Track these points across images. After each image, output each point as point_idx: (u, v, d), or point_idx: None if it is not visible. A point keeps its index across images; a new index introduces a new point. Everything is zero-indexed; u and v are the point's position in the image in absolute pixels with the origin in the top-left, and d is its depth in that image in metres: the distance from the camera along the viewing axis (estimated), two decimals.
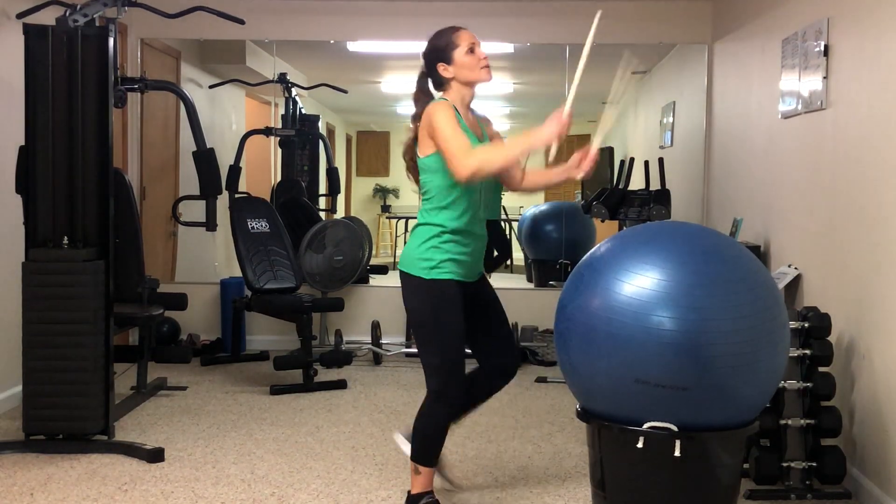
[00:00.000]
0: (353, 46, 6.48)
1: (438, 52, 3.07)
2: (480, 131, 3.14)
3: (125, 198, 4.35)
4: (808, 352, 3.49)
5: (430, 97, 3.12)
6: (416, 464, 3.14)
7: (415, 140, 3.10)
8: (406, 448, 3.25)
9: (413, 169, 3.16)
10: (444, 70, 3.06)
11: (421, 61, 3.14)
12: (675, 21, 6.13)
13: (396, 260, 7.40)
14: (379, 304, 6.37)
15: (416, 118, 3.10)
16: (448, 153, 2.90)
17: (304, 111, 6.74)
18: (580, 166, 3.05)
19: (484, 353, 3.29)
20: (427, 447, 3.13)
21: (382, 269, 6.77)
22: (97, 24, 3.97)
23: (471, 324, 3.16)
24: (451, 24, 3.14)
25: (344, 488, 3.55)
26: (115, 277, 4.03)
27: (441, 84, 3.10)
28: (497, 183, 3.23)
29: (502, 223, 6.66)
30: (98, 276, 3.90)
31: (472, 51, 3.05)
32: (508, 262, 7.30)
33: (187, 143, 5.39)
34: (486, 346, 3.27)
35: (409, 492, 3.20)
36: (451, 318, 3.04)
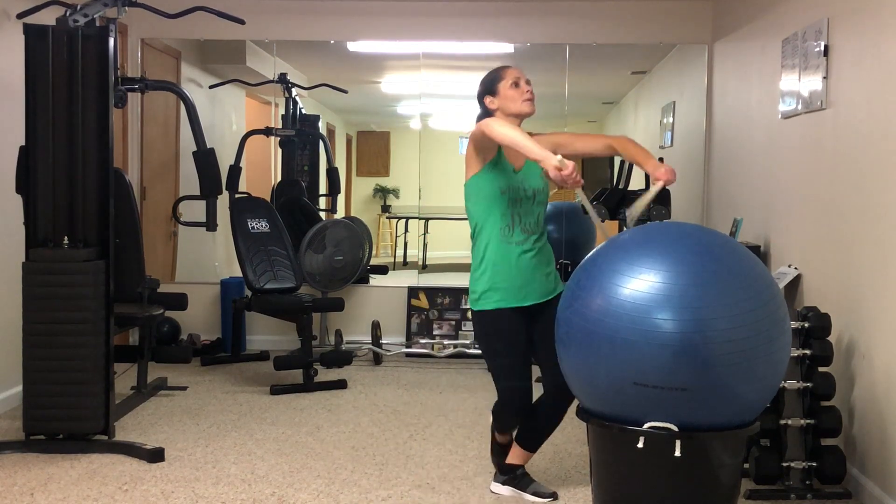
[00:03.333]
0: (353, 46, 6.48)
1: (486, 85, 3.31)
2: (522, 161, 3.26)
3: (125, 198, 4.35)
4: (808, 352, 3.49)
5: None
6: (495, 432, 3.57)
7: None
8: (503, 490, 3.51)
9: None
10: (490, 102, 3.29)
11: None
12: (675, 21, 6.13)
13: (396, 260, 7.41)
14: (379, 304, 6.37)
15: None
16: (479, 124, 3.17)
17: (304, 111, 6.73)
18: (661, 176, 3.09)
19: (543, 374, 3.39)
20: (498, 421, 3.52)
21: (382, 269, 6.76)
22: (97, 24, 3.97)
23: (533, 344, 3.34)
24: (499, 65, 3.36)
25: (344, 488, 3.56)
26: (115, 277, 4.03)
27: (489, 116, 3.27)
28: (537, 200, 3.32)
29: None
30: (98, 276, 3.90)
31: (516, 84, 3.25)
32: None
33: (187, 143, 5.40)
34: (543, 368, 3.37)
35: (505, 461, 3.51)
36: (500, 347, 3.30)
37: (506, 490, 3.48)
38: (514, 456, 3.49)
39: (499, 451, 3.60)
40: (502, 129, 3.06)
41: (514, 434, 3.50)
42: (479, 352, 3.46)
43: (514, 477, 3.48)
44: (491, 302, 3.25)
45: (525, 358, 3.32)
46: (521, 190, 3.26)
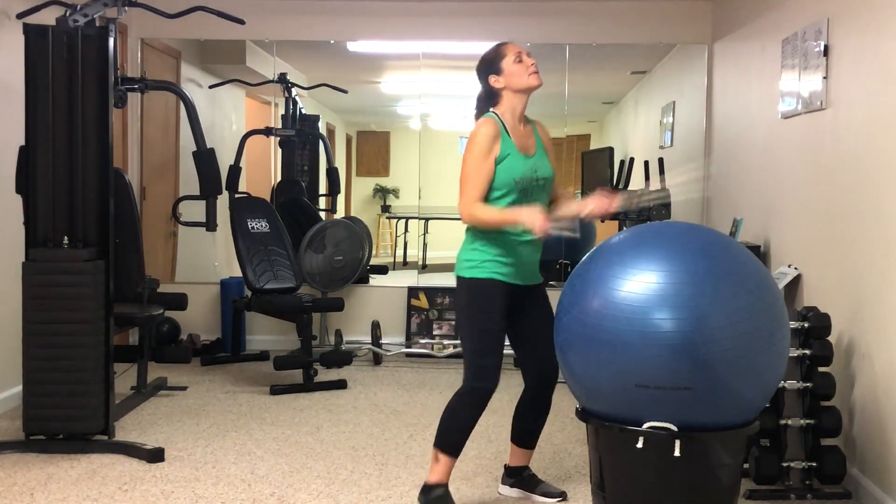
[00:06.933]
0: (353, 46, 6.48)
1: (488, 64, 3.23)
2: (533, 140, 3.25)
3: (125, 198, 4.35)
4: (808, 352, 3.49)
5: (484, 111, 3.27)
6: (436, 450, 3.25)
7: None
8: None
9: None
10: (495, 81, 3.21)
11: (476, 80, 3.29)
12: (675, 21, 6.13)
13: (396, 260, 7.41)
14: (379, 304, 6.37)
15: None
16: (462, 188, 3.12)
17: (304, 111, 6.73)
18: (600, 210, 3.13)
19: (526, 361, 3.37)
20: (450, 434, 3.25)
21: (382, 269, 6.76)
22: (97, 24, 3.97)
23: (516, 328, 3.28)
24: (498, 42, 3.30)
25: (344, 488, 3.56)
26: (115, 277, 4.03)
27: (494, 96, 3.23)
28: (546, 188, 3.27)
29: None
30: (98, 276, 3.90)
31: (519, 59, 3.18)
32: None
33: (187, 143, 5.39)
34: (528, 352, 3.35)
35: (425, 481, 3.29)
36: (485, 313, 3.16)
37: (514, 492, 3.49)
38: (516, 457, 3.49)
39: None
40: (487, 219, 3.10)
41: (511, 434, 3.50)
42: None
43: (521, 479, 3.48)
44: (488, 272, 3.16)
45: (503, 337, 3.22)
46: (534, 180, 3.19)
